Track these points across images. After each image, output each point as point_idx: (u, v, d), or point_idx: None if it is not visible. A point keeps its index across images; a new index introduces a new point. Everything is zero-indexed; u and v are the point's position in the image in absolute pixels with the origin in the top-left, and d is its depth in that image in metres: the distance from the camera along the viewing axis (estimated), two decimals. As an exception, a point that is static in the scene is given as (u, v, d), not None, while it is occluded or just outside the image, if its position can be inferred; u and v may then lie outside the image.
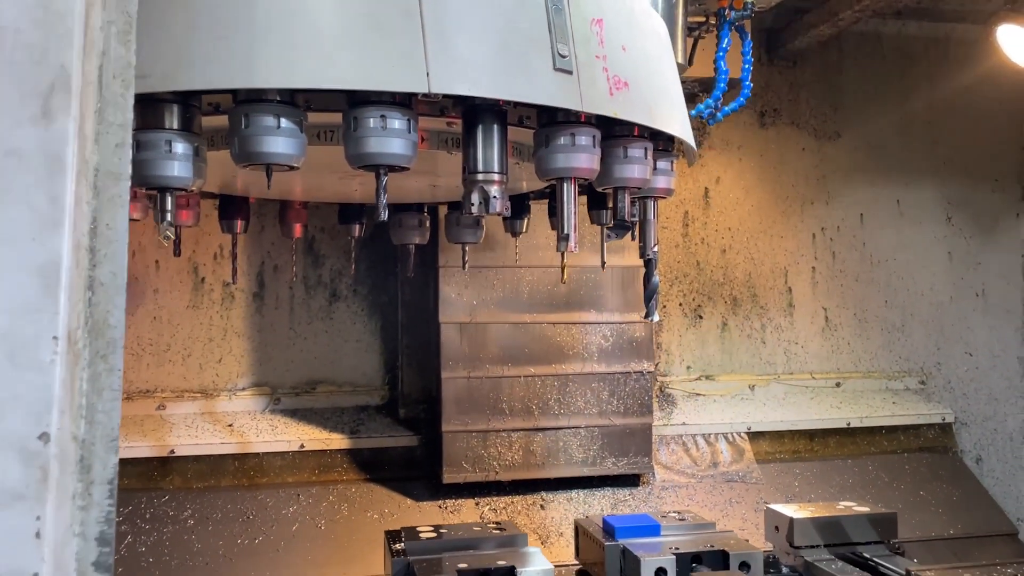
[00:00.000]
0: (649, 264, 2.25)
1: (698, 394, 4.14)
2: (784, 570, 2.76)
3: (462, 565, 2.26)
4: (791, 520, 2.76)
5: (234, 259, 2.81)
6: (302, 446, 3.57)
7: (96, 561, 0.94)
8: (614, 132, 1.96)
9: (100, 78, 1.04)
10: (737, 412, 4.06)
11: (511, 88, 1.66)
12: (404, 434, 3.71)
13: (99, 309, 0.98)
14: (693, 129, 4.17)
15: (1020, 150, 4.55)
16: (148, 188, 1.62)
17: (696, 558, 2.40)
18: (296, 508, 3.42)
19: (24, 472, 0.88)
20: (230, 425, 3.61)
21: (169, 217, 1.62)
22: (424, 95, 1.60)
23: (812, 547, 2.75)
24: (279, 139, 1.59)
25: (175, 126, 1.61)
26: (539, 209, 2.89)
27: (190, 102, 1.66)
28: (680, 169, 4.16)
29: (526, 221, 2.88)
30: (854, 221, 4.38)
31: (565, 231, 1.85)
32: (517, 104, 1.74)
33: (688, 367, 4.19)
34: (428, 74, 1.57)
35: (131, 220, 2.27)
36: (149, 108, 1.59)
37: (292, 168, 1.64)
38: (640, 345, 3.66)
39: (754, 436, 4.00)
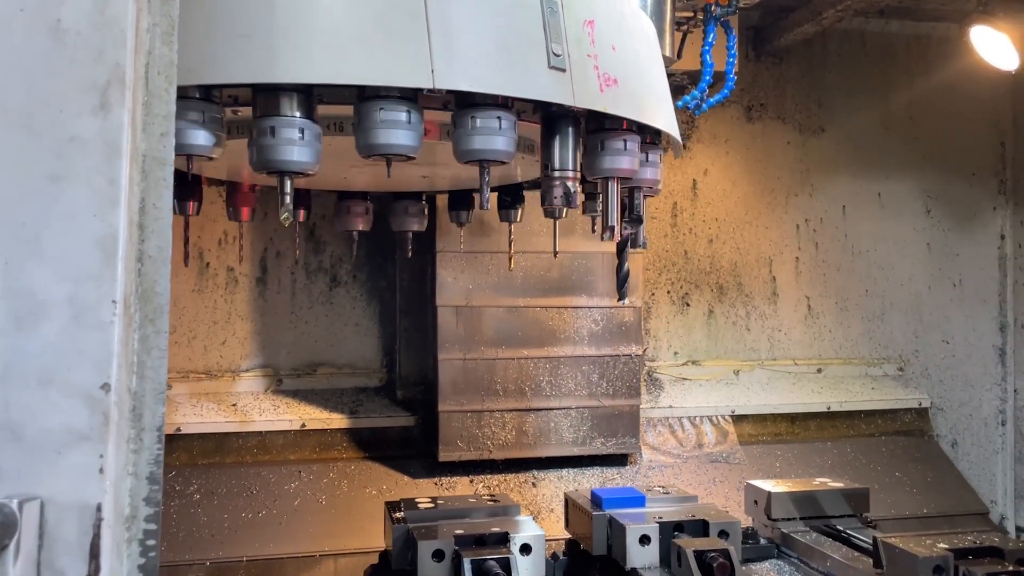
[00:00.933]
0: (623, 251, 2.40)
1: (684, 378, 4.30)
2: (762, 541, 2.92)
3: (459, 531, 2.40)
4: (769, 494, 2.92)
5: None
6: (303, 425, 3.71)
7: (147, 497, 1.09)
8: (604, 126, 2.12)
9: (147, 74, 1.17)
10: (722, 396, 4.22)
11: (509, 84, 1.80)
12: (402, 414, 3.85)
13: (148, 278, 1.12)
14: (682, 123, 4.33)
15: (997, 145, 4.71)
16: (270, 172, 1.74)
17: (678, 527, 2.55)
18: (298, 484, 3.56)
19: (90, 417, 1.02)
20: (234, 405, 3.75)
21: (288, 200, 1.74)
22: (430, 90, 1.74)
23: (788, 519, 2.91)
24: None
25: (300, 114, 1.72)
26: (532, 197, 3.02)
27: (212, 95, 1.79)
28: (669, 162, 4.34)
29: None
30: (836, 213, 4.53)
31: (610, 223, 2.05)
32: (515, 100, 1.88)
33: (675, 352, 4.35)
34: (433, 71, 1.71)
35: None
36: (271, 98, 1.71)
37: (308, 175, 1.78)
38: (629, 329, 3.81)
39: (738, 419, 4.16)
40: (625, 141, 2.03)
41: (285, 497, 3.51)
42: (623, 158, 2.02)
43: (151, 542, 1.08)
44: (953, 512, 3.94)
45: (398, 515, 2.59)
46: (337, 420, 3.76)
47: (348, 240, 3.96)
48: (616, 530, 2.55)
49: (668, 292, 4.35)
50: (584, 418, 3.77)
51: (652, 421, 4.06)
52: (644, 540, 2.48)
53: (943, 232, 4.65)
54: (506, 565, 2.26)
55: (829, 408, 4.26)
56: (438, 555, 2.33)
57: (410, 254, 3.22)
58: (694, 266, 4.37)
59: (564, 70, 1.87)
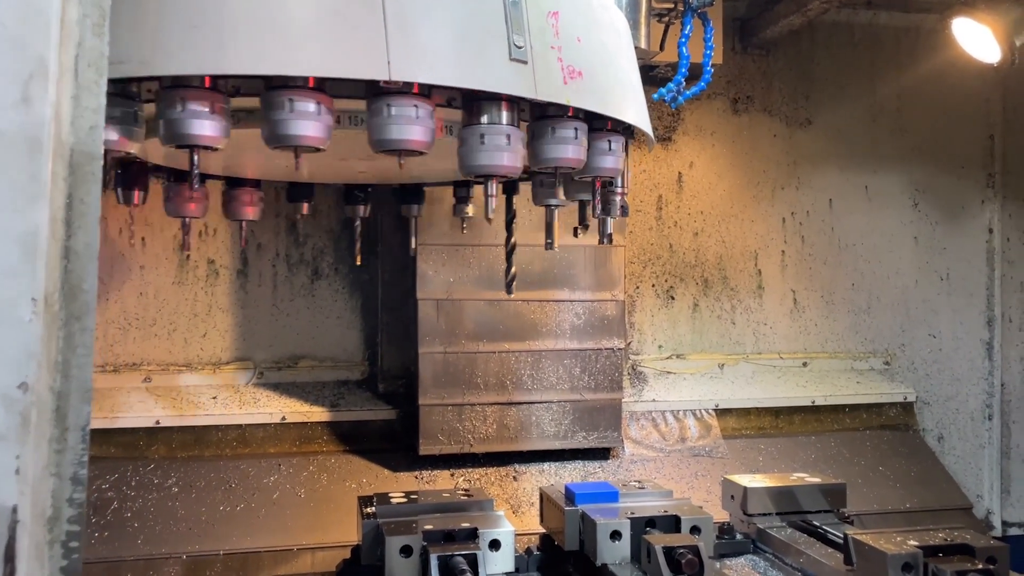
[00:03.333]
0: (510, 255, 2.75)
1: (669, 372, 4.28)
2: (738, 536, 2.91)
3: (428, 526, 2.39)
4: (745, 489, 2.90)
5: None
6: (284, 418, 3.70)
7: (70, 498, 1.07)
8: (547, 113, 2.08)
9: (76, 67, 1.15)
10: (706, 390, 4.20)
11: (468, 76, 1.78)
12: (383, 408, 3.84)
13: (74, 275, 1.10)
14: (667, 115, 4.29)
15: (986, 138, 4.68)
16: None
17: (650, 522, 2.54)
18: (277, 477, 3.55)
19: (5, 417, 1.00)
20: (214, 397, 3.73)
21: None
22: (385, 82, 1.72)
23: (765, 515, 2.90)
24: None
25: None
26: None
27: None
28: (655, 154, 4.31)
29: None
30: (823, 206, 4.51)
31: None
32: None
33: (660, 346, 4.33)
34: (389, 63, 1.69)
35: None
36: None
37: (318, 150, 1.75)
38: (611, 323, 3.79)
39: (721, 413, 4.14)
40: (576, 130, 1.97)
41: (264, 490, 3.50)
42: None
43: (74, 543, 1.06)
44: (937, 507, 3.92)
45: (369, 510, 2.57)
46: (318, 413, 3.75)
47: (330, 233, 3.97)
48: (588, 526, 2.54)
49: (653, 285, 4.32)
50: (566, 412, 3.75)
51: (635, 415, 4.05)
52: (615, 536, 2.47)
53: (931, 225, 4.62)
54: (473, 561, 2.25)
55: (813, 402, 4.24)
56: (406, 551, 2.33)
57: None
58: (679, 259, 4.35)
59: (526, 62, 1.85)
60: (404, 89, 1.74)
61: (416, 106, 1.74)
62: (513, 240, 2.79)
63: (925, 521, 3.82)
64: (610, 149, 2.11)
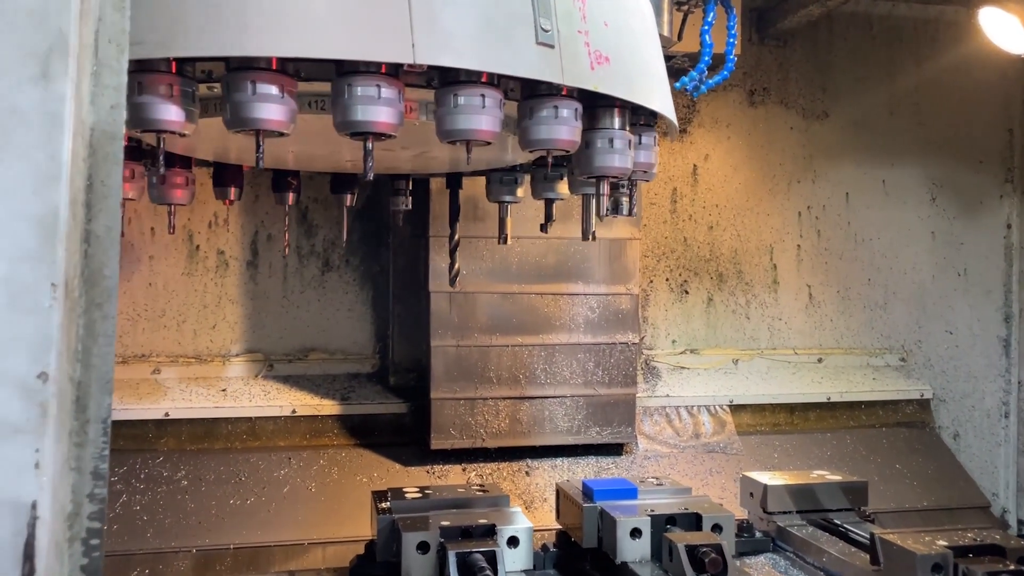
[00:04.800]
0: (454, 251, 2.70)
1: (683, 367, 4.23)
2: (757, 534, 2.86)
3: (445, 523, 2.34)
4: (765, 487, 2.86)
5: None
6: (294, 411, 3.66)
7: (91, 493, 1.02)
8: (537, 92, 2.02)
9: (96, 43, 1.09)
10: (720, 385, 4.15)
11: (494, 61, 1.72)
12: (394, 401, 3.79)
13: (95, 260, 1.05)
14: (682, 107, 4.24)
15: (1005, 132, 4.61)
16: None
17: (670, 520, 2.49)
18: (287, 471, 3.51)
19: (24, 408, 0.95)
20: (224, 390, 3.69)
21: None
22: (410, 65, 1.66)
23: (785, 513, 2.85)
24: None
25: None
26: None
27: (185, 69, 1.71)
28: (669, 147, 4.26)
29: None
30: (839, 200, 4.44)
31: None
32: (501, 77, 1.80)
33: (673, 341, 4.28)
34: (413, 45, 1.63)
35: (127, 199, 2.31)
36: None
37: (282, 135, 1.70)
38: (625, 317, 3.74)
39: (736, 409, 4.09)
40: (556, 108, 1.85)
41: (274, 484, 3.45)
42: (562, 128, 1.86)
43: (95, 541, 1.01)
44: (954, 505, 3.87)
45: (384, 505, 2.53)
46: (328, 406, 3.70)
47: (340, 224, 3.90)
48: (607, 523, 2.49)
49: (667, 279, 4.27)
50: (579, 407, 3.70)
51: (649, 410, 4.00)
52: (635, 533, 2.42)
53: (948, 220, 4.55)
54: (492, 558, 2.20)
55: (829, 398, 4.19)
56: (423, 547, 2.28)
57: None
58: (693, 253, 4.29)
59: (553, 46, 1.79)
60: (372, 69, 1.66)
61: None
62: (457, 237, 2.82)
63: (943, 519, 3.77)
64: (642, 142, 2.03)
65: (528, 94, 1.90)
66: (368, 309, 3.95)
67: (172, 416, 3.53)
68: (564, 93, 1.88)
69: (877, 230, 4.48)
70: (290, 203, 3.00)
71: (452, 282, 2.87)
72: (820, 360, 4.39)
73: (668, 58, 3.83)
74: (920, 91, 4.49)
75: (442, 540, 2.27)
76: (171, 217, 2.64)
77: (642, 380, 4.07)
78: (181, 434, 3.54)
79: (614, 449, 3.81)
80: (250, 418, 3.62)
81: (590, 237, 2.40)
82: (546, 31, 1.78)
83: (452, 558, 2.18)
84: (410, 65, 1.65)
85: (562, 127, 1.88)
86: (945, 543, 2.20)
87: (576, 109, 1.89)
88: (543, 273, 3.66)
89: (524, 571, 2.37)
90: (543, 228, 2.71)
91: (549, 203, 2.75)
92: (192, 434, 3.56)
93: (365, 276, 3.95)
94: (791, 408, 4.17)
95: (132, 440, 3.48)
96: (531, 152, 1.94)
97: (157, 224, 3.71)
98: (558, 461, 3.74)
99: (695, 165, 4.29)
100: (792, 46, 4.37)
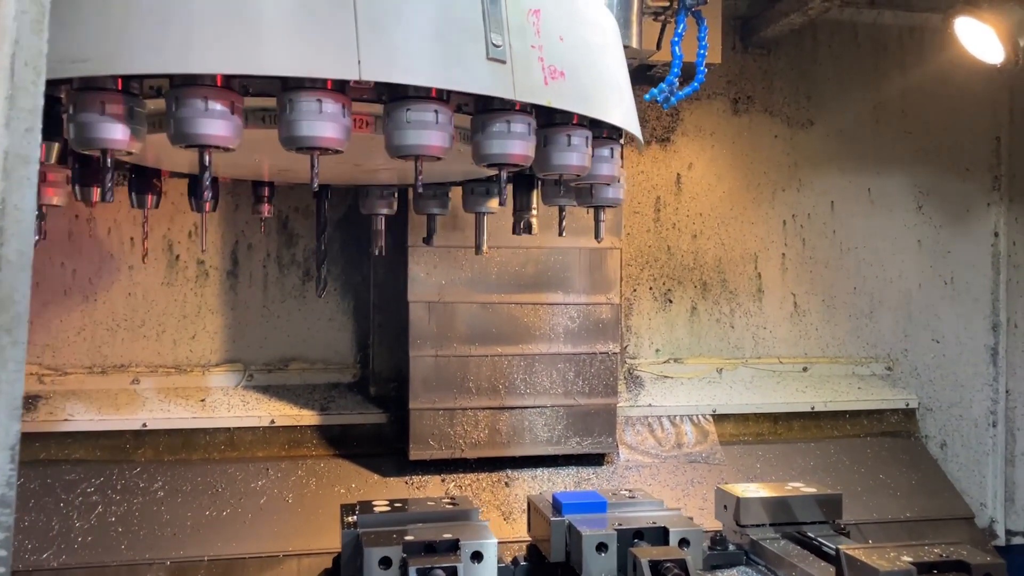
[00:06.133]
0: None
1: (666, 376, 4.21)
2: (731, 547, 2.85)
3: (409, 538, 2.33)
4: (738, 500, 2.84)
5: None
6: (273, 422, 3.65)
7: (-2, 520, 1.01)
8: (554, 121, 2.02)
9: (12, 65, 1.09)
10: (703, 395, 4.13)
11: (442, 77, 1.71)
12: (374, 411, 3.78)
13: (5, 285, 1.04)
14: (666, 116, 4.22)
15: (992, 139, 4.59)
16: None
17: (638, 534, 2.47)
18: (265, 482, 3.50)
19: (-76, 436, 0.94)
20: (203, 400, 3.68)
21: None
22: (356, 82, 1.66)
23: (758, 526, 2.83)
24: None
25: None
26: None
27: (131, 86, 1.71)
28: (652, 155, 4.25)
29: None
30: (825, 208, 4.43)
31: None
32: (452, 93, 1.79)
33: (657, 350, 4.26)
34: (359, 62, 1.63)
35: (55, 206, 2.30)
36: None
37: (228, 150, 1.69)
38: (606, 326, 3.72)
39: (719, 418, 4.07)
40: (509, 123, 1.84)
41: (251, 495, 3.45)
42: (515, 143, 1.85)
43: (1, 569, 1.00)
44: (938, 516, 3.84)
45: (350, 519, 2.52)
46: (308, 417, 3.69)
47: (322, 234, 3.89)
48: (574, 537, 2.48)
49: (650, 288, 4.26)
50: (559, 417, 3.69)
51: (631, 420, 3.98)
52: (601, 548, 2.41)
53: (935, 228, 4.53)
54: (453, 573, 2.19)
55: (813, 408, 4.16)
56: (385, 563, 2.27)
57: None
58: (677, 262, 4.28)
59: (504, 62, 1.78)
60: (318, 84, 1.65)
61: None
62: (324, 247, 2.90)
63: (925, 531, 3.74)
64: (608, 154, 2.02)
65: (482, 108, 1.89)
66: (349, 319, 3.95)
67: (150, 427, 3.52)
68: (517, 108, 1.87)
69: (863, 238, 4.46)
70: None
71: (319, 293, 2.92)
72: (805, 369, 4.37)
73: (648, 68, 3.84)
74: (906, 98, 4.47)
75: (404, 555, 2.26)
76: (145, 227, 2.64)
77: (624, 389, 4.05)
78: (159, 445, 3.54)
79: (595, 459, 3.79)
80: (228, 428, 3.61)
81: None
82: (497, 46, 1.77)
83: (413, 574, 2.17)
84: (356, 81, 1.65)
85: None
86: (910, 559, 2.18)
87: (529, 124, 1.88)
88: (523, 283, 3.65)
89: (489, 586, 2.35)
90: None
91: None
92: (170, 445, 3.55)
93: (346, 286, 3.94)
94: (775, 418, 4.15)
95: (109, 451, 3.48)
96: (486, 167, 1.93)
97: (137, 234, 3.71)
98: (538, 472, 3.72)
99: (679, 174, 4.28)
100: (776, 54, 4.36)
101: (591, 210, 2.57)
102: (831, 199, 4.43)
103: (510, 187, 2.67)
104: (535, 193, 2.70)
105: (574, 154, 2.02)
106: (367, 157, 2.27)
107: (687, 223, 4.29)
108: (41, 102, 1.10)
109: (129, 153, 1.70)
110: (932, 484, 4.03)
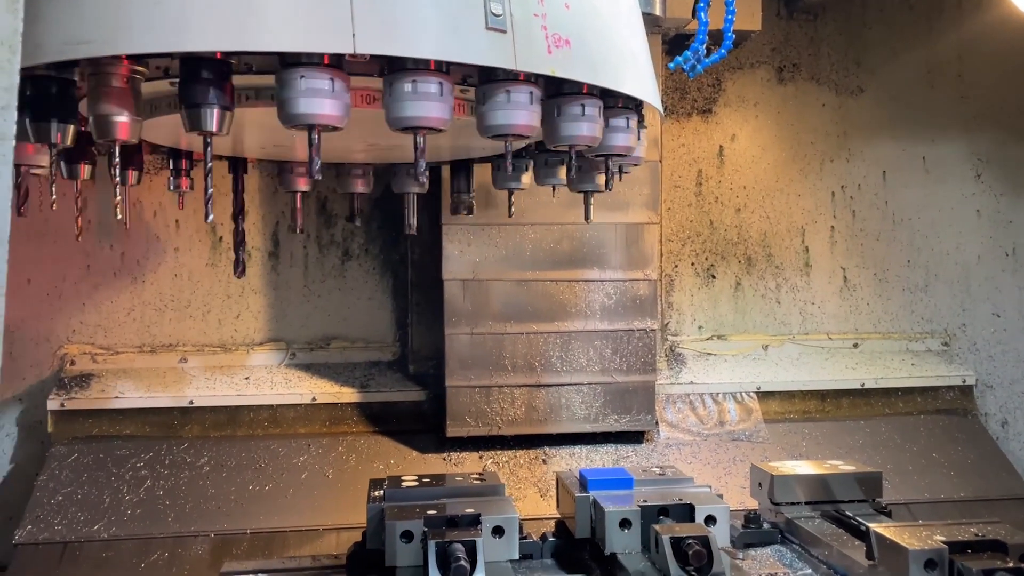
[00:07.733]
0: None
1: (709, 353, 4.14)
2: (765, 526, 2.78)
3: (431, 512, 2.34)
4: (772, 477, 2.78)
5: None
6: (314, 399, 3.71)
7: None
8: (563, 91, 1.99)
9: (-13, 45, 1.12)
10: (748, 372, 4.04)
11: (439, 48, 1.69)
12: (412, 389, 3.81)
13: (-18, 261, 1.08)
14: (707, 87, 4.11)
15: (1057, 102, 4.35)
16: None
17: (663, 511, 2.44)
18: (306, 458, 3.57)
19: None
20: (247, 378, 3.77)
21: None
22: (351, 55, 1.65)
23: (793, 504, 2.77)
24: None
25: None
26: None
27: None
28: (693, 127, 4.16)
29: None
30: (876, 179, 4.27)
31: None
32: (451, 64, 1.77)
33: (700, 327, 4.19)
34: (354, 35, 1.62)
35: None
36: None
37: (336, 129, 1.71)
38: (644, 303, 3.67)
39: (764, 396, 3.98)
40: (509, 93, 1.82)
41: (293, 470, 3.52)
42: (519, 112, 1.82)
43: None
44: (993, 496, 3.69)
45: (376, 493, 2.54)
46: (348, 394, 3.75)
47: (360, 214, 3.93)
48: (598, 513, 2.46)
49: (692, 264, 4.18)
50: (596, 394, 3.66)
51: (672, 398, 3.93)
52: (624, 524, 2.39)
53: (995, 197, 4.33)
54: (472, 548, 2.19)
55: (863, 385, 4.04)
56: (407, 536, 2.29)
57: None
58: (720, 236, 4.19)
59: (504, 31, 1.76)
60: (314, 60, 1.65)
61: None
62: (242, 228, 2.84)
63: (980, 511, 3.60)
64: (584, 115, 1.97)
65: (485, 79, 1.87)
66: (388, 298, 3.98)
67: (196, 404, 3.63)
68: (521, 78, 1.84)
69: (917, 209, 4.29)
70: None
71: (237, 273, 2.84)
72: (856, 345, 4.24)
73: (685, 37, 3.74)
74: (962, 61, 4.27)
75: (425, 529, 2.27)
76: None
77: (666, 367, 4.00)
78: (205, 421, 3.64)
79: (634, 437, 3.75)
80: (271, 405, 3.69)
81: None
82: (497, 16, 1.75)
83: (431, 548, 2.18)
84: (352, 55, 1.64)
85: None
86: (943, 538, 2.09)
87: (532, 93, 1.85)
88: (558, 259, 3.62)
89: (511, 561, 2.35)
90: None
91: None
92: (215, 421, 3.65)
93: (385, 265, 3.98)
94: (822, 395, 4.04)
95: (158, 427, 3.59)
96: (491, 139, 1.91)
97: (181, 217, 3.80)
98: (576, 449, 3.71)
99: (721, 146, 4.17)
100: (823, 20, 4.20)
101: (619, 176, 2.51)
102: (883, 169, 4.27)
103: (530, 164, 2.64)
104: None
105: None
106: (381, 135, 2.27)
107: (730, 196, 4.19)
108: (16, 80, 1.13)
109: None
110: (989, 463, 3.87)
